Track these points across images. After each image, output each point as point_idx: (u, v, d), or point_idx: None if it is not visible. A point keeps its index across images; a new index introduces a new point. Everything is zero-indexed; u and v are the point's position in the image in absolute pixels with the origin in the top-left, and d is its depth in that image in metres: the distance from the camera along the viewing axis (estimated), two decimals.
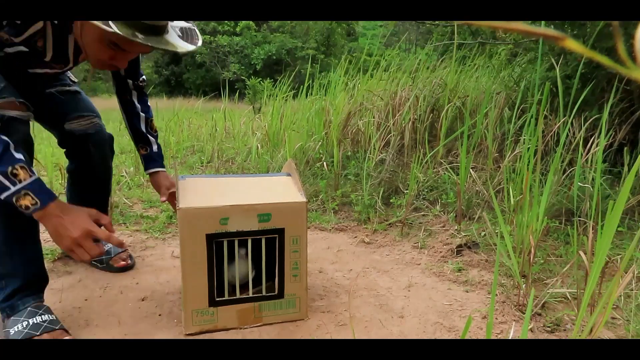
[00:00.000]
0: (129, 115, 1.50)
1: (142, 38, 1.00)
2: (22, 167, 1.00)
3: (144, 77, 1.51)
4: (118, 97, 1.50)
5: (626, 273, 1.54)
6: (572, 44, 0.27)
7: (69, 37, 1.17)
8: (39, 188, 1.03)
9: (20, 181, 1.00)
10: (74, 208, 1.09)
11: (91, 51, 1.10)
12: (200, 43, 1.16)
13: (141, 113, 1.49)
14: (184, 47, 1.10)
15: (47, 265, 1.48)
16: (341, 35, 20.21)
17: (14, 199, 1.00)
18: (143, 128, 1.49)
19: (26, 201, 1.01)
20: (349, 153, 2.81)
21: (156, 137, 1.54)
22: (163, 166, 1.53)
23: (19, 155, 1.01)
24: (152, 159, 1.51)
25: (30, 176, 1.02)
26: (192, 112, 5.13)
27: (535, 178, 1.47)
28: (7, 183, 0.99)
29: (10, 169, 0.98)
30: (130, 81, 1.47)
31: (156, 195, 2.58)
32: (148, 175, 1.54)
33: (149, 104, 1.53)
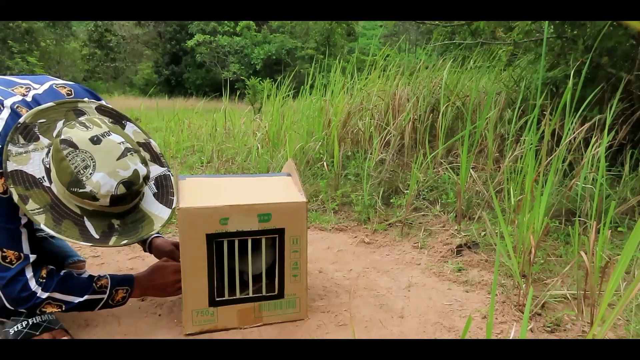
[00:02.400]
0: None
1: (114, 240, 1.05)
2: (98, 279, 1.15)
3: None
4: None
5: (627, 273, 1.54)
6: None
7: None
8: (120, 279, 1.19)
9: (105, 286, 1.15)
10: (151, 269, 1.26)
11: None
12: (175, 202, 1.18)
13: None
14: (158, 222, 1.14)
15: None
16: (341, 35, 20.17)
17: (110, 301, 1.17)
18: None
19: (120, 294, 1.19)
20: (349, 153, 2.81)
21: None
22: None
23: (84, 274, 1.15)
24: None
25: (106, 277, 1.17)
26: (192, 112, 5.13)
27: (538, 178, 1.47)
28: (99, 297, 1.15)
29: (92, 288, 1.13)
30: None
31: None
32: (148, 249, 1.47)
33: None
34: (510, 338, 1.19)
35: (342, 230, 2.09)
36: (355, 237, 1.99)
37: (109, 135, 1.04)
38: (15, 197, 0.97)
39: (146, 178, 1.08)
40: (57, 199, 1.02)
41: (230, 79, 16.51)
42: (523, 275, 1.46)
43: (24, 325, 1.12)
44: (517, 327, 1.26)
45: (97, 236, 1.03)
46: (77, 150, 0.99)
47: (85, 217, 1.03)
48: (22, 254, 1.04)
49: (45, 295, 1.07)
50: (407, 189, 2.31)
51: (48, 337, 1.13)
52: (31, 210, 0.98)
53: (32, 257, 1.05)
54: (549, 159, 1.95)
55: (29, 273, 1.05)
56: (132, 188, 1.04)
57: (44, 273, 1.08)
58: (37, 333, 1.12)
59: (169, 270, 1.26)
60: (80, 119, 1.06)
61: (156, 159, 1.22)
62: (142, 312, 1.32)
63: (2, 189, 1.00)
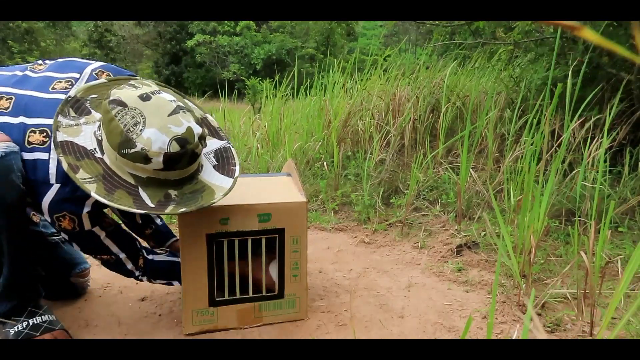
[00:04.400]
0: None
1: (172, 208, 0.98)
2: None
3: None
4: None
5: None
6: (588, 34, 0.27)
7: None
8: None
9: None
10: None
11: None
12: (237, 171, 1.11)
13: None
14: (219, 192, 1.05)
15: None
16: (341, 35, 20.19)
17: None
18: None
19: None
20: (349, 153, 2.81)
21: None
22: (174, 235, 1.47)
23: (171, 259, 1.27)
24: (161, 233, 1.45)
25: None
26: None
27: (537, 178, 1.47)
28: None
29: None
30: None
31: None
32: None
33: None
34: (510, 338, 1.19)
35: (342, 230, 2.09)
36: (355, 237, 1.99)
37: (159, 93, 0.99)
38: (65, 166, 0.93)
39: (202, 138, 1.01)
40: (109, 169, 0.98)
41: (230, 78, 16.52)
42: (523, 275, 1.46)
43: (25, 326, 1.12)
44: (517, 327, 1.26)
45: (152, 205, 0.97)
46: (126, 109, 0.94)
47: (139, 187, 0.98)
48: (113, 256, 1.15)
49: (145, 279, 1.23)
50: (407, 189, 2.31)
51: (49, 337, 1.13)
52: (82, 179, 0.94)
53: (122, 255, 1.16)
54: (548, 156, 1.95)
55: (129, 265, 1.18)
56: (186, 147, 0.96)
57: (141, 263, 1.20)
58: (38, 334, 1.12)
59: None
60: (130, 82, 1.02)
61: (214, 132, 1.16)
62: (142, 312, 1.32)
63: (71, 227, 1.04)
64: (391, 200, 2.29)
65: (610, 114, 1.88)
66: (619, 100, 2.10)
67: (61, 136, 0.97)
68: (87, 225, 1.06)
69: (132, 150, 0.93)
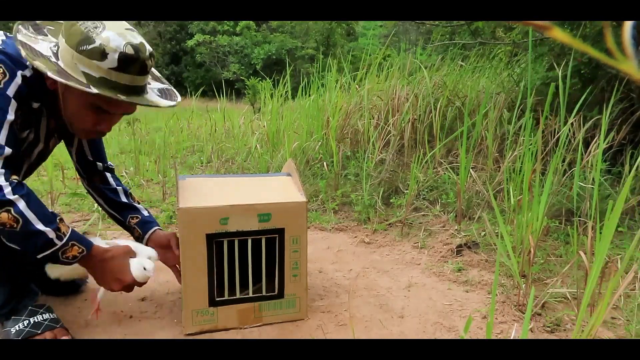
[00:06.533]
0: (105, 194, 1.40)
1: (125, 98, 1.04)
2: (60, 220, 1.03)
3: (110, 163, 1.45)
4: (88, 184, 1.42)
5: (626, 273, 1.54)
6: (559, 34, 0.27)
7: (42, 119, 1.16)
8: (80, 237, 1.08)
9: (65, 234, 1.03)
10: (113, 250, 1.14)
11: (76, 120, 1.12)
12: (179, 99, 1.20)
13: (117, 187, 1.41)
14: (165, 103, 1.15)
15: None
16: (341, 35, 20.22)
17: (60, 253, 1.03)
18: (125, 199, 1.41)
19: (74, 251, 1.05)
20: (349, 153, 2.81)
21: (142, 206, 1.44)
22: (159, 225, 1.43)
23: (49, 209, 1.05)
24: (147, 222, 1.39)
25: (68, 227, 1.05)
26: (191, 112, 5.13)
27: (535, 178, 1.47)
28: (54, 240, 1.01)
29: (55, 226, 1.01)
30: (99, 164, 1.40)
31: (155, 195, 2.58)
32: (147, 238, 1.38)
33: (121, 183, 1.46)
34: (510, 338, 1.19)
35: (342, 230, 2.09)
36: (355, 237, 1.99)
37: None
38: (24, 53, 0.98)
39: (152, 55, 1.08)
40: (63, 69, 1.02)
41: (230, 78, 16.53)
42: (523, 275, 1.46)
43: (26, 325, 1.12)
44: (517, 327, 1.26)
45: (103, 94, 1.02)
46: (87, 21, 1.01)
47: (91, 86, 1.01)
48: None
49: (11, 197, 0.94)
50: (407, 189, 2.31)
51: (50, 336, 1.13)
52: (38, 64, 0.98)
53: (7, 151, 0.97)
54: (544, 155, 1.95)
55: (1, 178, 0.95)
56: (139, 54, 1.03)
57: (14, 178, 0.98)
58: (39, 332, 1.12)
59: (125, 268, 1.13)
60: None
61: (158, 79, 1.25)
62: (142, 312, 1.32)
63: None
64: (391, 200, 2.29)
65: (610, 114, 1.88)
66: (619, 100, 2.10)
67: (21, 36, 1.02)
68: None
69: (91, 46, 0.99)
